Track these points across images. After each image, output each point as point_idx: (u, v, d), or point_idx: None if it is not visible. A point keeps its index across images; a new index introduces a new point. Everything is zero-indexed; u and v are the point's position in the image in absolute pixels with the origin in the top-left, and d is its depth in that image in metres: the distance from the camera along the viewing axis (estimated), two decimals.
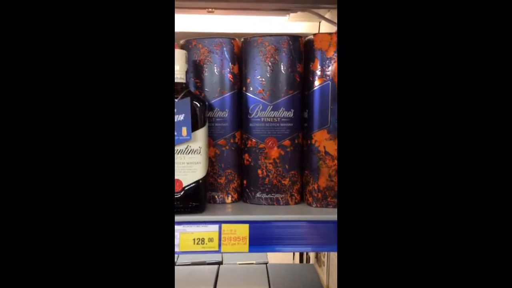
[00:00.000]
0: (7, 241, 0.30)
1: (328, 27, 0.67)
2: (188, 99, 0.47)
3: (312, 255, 0.91)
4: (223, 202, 0.56)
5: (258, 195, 0.54)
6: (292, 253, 0.91)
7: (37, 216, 0.31)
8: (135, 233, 0.31)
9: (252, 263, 0.68)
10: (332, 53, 0.51)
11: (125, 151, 0.32)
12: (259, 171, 0.54)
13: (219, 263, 0.67)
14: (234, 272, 0.63)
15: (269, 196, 0.54)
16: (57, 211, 0.31)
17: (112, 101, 0.32)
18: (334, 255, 0.81)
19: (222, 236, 0.46)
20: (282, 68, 0.52)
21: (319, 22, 0.68)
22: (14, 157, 0.30)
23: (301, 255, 0.92)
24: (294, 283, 0.59)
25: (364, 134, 0.32)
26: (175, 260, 0.71)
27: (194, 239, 0.46)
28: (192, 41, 0.54)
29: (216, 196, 0.56)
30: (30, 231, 0.30)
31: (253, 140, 0.54)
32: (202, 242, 0.46)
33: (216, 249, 0.46)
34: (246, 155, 0.55)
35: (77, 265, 0.31)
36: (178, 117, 0.46)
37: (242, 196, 0.56)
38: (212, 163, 0.55)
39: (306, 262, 0.90)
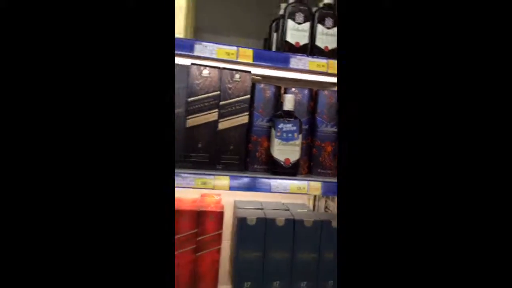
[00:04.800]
0: (9, 236, 0.30)
1: None
2: (298, 119, 0.97)
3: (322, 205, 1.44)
4: (300, 173, 1.05)
5: (319, 170, 1.05)
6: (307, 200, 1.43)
7: (52, 179, 0.31)
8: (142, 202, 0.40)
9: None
10: None
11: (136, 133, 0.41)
12: (320, 158, 1.05)
13: (288, 209, 1.16)
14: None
15: (325, 171, 1.05)
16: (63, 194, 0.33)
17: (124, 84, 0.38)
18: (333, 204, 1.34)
19: (309, 187, 0.96)
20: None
21: None
22: (20, 151, 0.30)
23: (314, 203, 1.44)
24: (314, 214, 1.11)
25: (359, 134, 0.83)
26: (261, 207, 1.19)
27: (297, 187, 0.96)
28: (292, 88, 1.04)
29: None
30: (38, 196, 0.31)
31: (318, 141, 1.05)
32: (300, 189, 0.96)
33: (306, 192, 0.96)
34: (314, 149, 1.05)
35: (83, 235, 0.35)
36: (292, 127, 0.96)
37: (310, 170, 1.07)
38: None
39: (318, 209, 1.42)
